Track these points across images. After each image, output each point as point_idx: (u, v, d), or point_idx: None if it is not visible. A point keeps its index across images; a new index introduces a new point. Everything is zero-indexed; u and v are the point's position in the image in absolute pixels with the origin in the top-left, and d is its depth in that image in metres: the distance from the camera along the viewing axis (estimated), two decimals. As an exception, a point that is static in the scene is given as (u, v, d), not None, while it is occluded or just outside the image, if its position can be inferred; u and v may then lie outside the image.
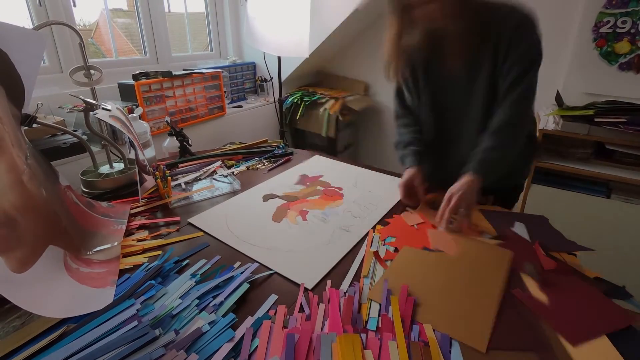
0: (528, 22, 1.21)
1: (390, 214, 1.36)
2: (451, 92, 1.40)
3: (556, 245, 1.12)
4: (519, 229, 1.22)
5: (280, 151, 1.97)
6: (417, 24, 1.23)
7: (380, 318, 0.85)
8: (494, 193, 1.46)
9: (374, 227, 1.26)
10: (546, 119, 2.52)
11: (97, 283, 0.94)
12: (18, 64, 0.99)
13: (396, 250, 1.12)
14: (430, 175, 1.43)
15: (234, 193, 1.53)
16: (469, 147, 1.35)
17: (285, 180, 1.66)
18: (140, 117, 1.76)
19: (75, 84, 1.47)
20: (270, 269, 1.04)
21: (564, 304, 0.88)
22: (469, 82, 1.34)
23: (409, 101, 1.56)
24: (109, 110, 1.40)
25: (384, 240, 1.16)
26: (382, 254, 1.10)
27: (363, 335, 0.79)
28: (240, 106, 3.16)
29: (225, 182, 1.62)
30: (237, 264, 1.06)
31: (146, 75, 2.26)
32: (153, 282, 0.95)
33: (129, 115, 1.61)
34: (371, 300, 0.91)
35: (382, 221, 1.30)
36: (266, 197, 1.49)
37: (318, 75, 3.97)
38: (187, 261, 1.07)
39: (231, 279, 0.97)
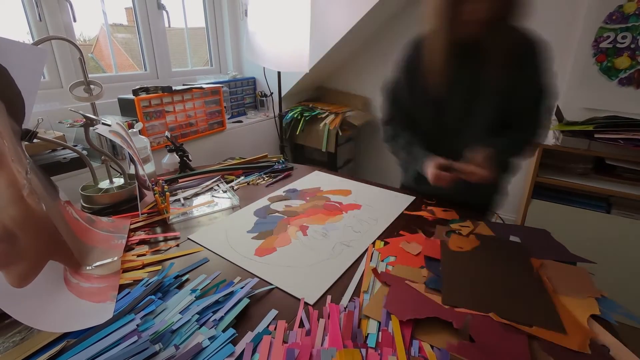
0: (538, 49, 1.30)
1: (390, 228, 1.35)
2: (461, 109, 1.43)
3: (560, 257, 1.13)
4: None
5: (280, 166, 1.97)
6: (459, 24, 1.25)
7: (380, 333, 0.84)
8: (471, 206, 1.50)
9: (374, 242, 1.26)
10: (546, 134, 2.52)
11: (97, 298, 0.93)
12: (18, 79, 0.99)
13: (393, 268, 1.11)
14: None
15: (233, 209, 1.53)
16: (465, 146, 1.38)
17: (285, 195, 1.66)
18: (140, 132, 1.76)
19: (76, 99, 1.48)
20: (271, 284, 1.04)
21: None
22: (482, 99, 1.39)
23: (403, 101, 1.56)
24: (109, 126, 1.40)
25: (383, 260, 1.15)
26: (381, 271, 1.09)
27: (363, 351, 0.79)
28: (240, 121, 3.17)
29: (224, 198, 1.62)
30: (237, 279, 1.06)
31: (146, 90, 2.27)
32: (153, 297, 0.95)
33: (129, 131, 1.61)
34: (369, 317, 0.91)
35: (382, 237, 1.29)
36: (267, 212, 1.48)
37: (318, 90, 3.99)
38: (187, 276, 1.07)
39: (231, 294, 0.97)
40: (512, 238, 1.25)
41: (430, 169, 1.37)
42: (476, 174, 1.26)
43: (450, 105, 1.43)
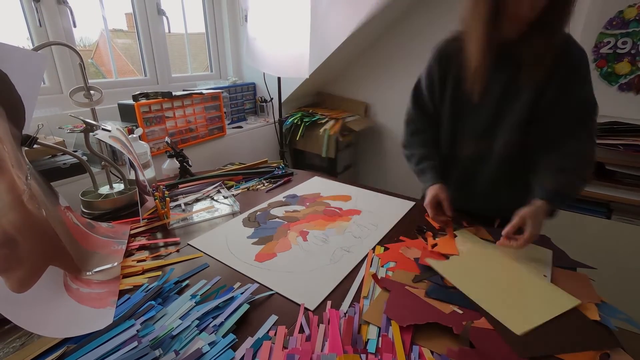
0: (586, 60, 1.22)
1: (390, 234, 1.35)
2: (483, 107, 1.34)
3: (560, 262, 1.13)
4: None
5: (280, 172, 1.97)
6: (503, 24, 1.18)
7: (380, 338, 0.84)
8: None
9: (374, 248, 1.26)
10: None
11: (97, 303, 0.93)
12: (18, 84, 0.99)
13: (393, 274, 1.11)
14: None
15: (233, 214, 1.53)
16: (494, 168, 1.39)
17: (285, 200, 1.66)
18: (140, 137, 1.77)
19: (76, 105, 1.48)
20: (271, 290, 1.04)
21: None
22: (506, 99, 1.30)
23: (425, 104, 1.49)
24: (109, 131, 1.40)
25: (383, 265, 1.15)
26: (381, 276, 1.09)
27: (363, 356, 0.79)
28: (240, 127, 3.17)
29: (225, 203, 1.62)
30: (237, 284, 1.06)
31: (146, 95, 2.27)
32: (153, 302, 0.95)
33: (129, 136, 1.61)
34: (369, 322, 0.90)
35: (382, 242, 1.29)
36: (267, 218, 1.48)
37: (318, 95, 3.99)
38: (187, 282, 1.07)
39: (231, 299, 0.97)
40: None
41: (427, 203, 1.38)
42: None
43: (481, 107, 1.34)
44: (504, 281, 1.04)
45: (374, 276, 1.07)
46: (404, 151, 1.56)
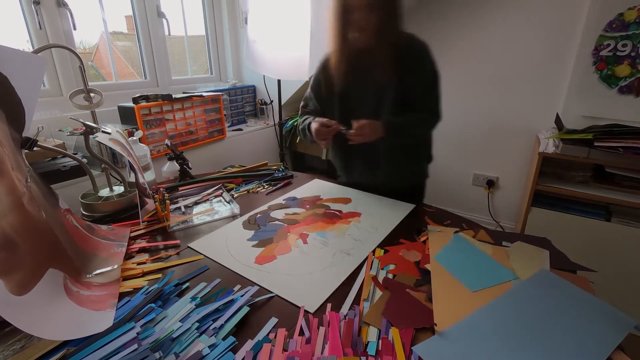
0: (427, 49, 1.56)
1: (390, 236, 1.35)
2: (362, 99, 1.67)
3: (560, 265, 1.13)
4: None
5: (280, 174, 1.97)
6: (351, 37, 1.57)
7: (380, 341, 0.84)
8: (402, 192, 1.72)
9: (374, 250, 1.25)
10: (546, 142, 2.53)
11: (97, 306, 0.93)
12: (18, 87, 0.99)
13: (395, 277, 1.10)
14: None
15: (233, 217, 1.53)
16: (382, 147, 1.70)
17: (285, 203, 1.66)
18: (140, 140, 1.76)
19: (76, 107, 1.48)
20: (271, 292, 1.03)
21: None
22: (379, 91, 1.62)
23: (311, 106, 1.88)
24: (109, 134, 1.40)
25: (383, 268, 1.15)
26: (381, 279, 1.09)
27: (363, 358, 0.78)
28: (240, 129, 3.17)
29: (225, 206, 1.62)
30: (237, 287, 1.05)
31: (146, 98, 2.27)
32: (153, 305, 0.95)
33: (129, 139, 1.61)
34: (369, 324, 0.90)
35: (382, 245, 1.29)
36: (267, 220, 1.48)
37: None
38: (187, 284, 1.07)
39: (231, 302, 0.97)
40: (505, 244, 1.25)
41: (314, 124, 1.64)
42: (356, 136, 1.51)
43: (352, 98, 1.69)
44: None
45: (374, 278, 1.07)
46: (300, 135, 1.87)
